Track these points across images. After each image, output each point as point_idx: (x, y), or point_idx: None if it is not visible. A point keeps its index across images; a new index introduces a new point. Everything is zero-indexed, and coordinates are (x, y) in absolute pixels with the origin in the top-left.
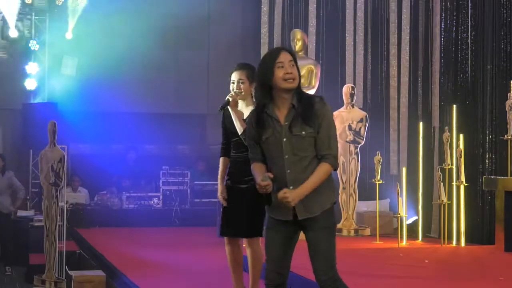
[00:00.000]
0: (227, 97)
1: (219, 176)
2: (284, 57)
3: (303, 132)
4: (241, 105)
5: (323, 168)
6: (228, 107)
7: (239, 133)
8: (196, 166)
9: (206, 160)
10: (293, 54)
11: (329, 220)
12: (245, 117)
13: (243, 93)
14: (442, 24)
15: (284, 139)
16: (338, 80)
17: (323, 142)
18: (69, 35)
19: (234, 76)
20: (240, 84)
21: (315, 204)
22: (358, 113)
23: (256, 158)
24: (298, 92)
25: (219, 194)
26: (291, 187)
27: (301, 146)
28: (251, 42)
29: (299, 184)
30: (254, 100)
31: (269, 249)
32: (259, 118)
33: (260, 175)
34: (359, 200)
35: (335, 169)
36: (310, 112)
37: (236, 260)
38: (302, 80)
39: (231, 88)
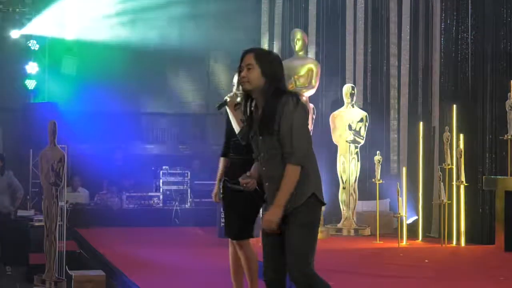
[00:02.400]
0: (225, 97)
1: (217, 176)
2: (244, 60)
3: (268, 131)
4: None
5: (289, 170)
6: (226, 107)
7: (237, 133)
8: (195, 166)
9: (206, 159)
10: (255, 54)
11: (306, 217)
12: None
13: (238, 93)
14: (442, 24)
15: (260, 137)
16: (338, 80)
17: (284, 141)
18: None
19: (235, 78)
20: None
21: (288, 200)
22: (358, 113)
23: (255, 157)
24: (273, 92)
25: (212, 194)
26: (266, 184)
27: (272, 144)
28: (251, 42)
29: (274, 180)
30: None
31: (264, 247)
32: (248, 119)
33: (254, 171)
34: (359, 200)
35: (302, 166)
36: (272, 111)
37: (237, 262)
38: (302, 80)
39: (233, 89)
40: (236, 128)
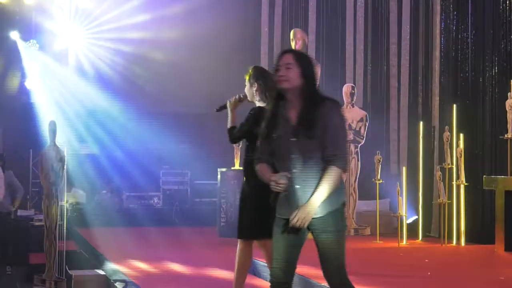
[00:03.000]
0: (228, 100)
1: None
2: (282, 60)
3: (309, 134)
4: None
5: (331, 172)
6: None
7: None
8: (196, 166)
9: (205, 159)
10: (295, 54)
11: (338, 223)
12: None
13: (242, 96)
14: (442, 24)
15: (293, 139)
16: (338, 79)
17: (329, 144)
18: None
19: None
20: (245, 86)
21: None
22: (358, 112)
23: (263, 158)
24: (309, 94)
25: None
26: (297, 186)
27: (308, 147)
28: (251, 41)
29: (305, 184)
30: (259, 100)
31: (275, 247)
32: (271, 116)
33: (268, 174)
34: (359, 199)
35: (345, 171)
36: (316, 114)
37: (241, 262)
38: None
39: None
40: (228, 126)
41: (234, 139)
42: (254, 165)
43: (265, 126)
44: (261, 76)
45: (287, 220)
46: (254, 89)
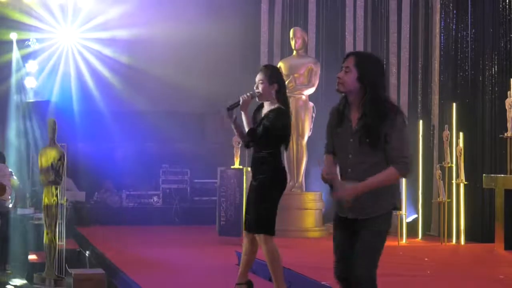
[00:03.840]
0: (240, 97)
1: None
2: (345, 62)
3: (367, 140)
4: (265, 105)
5: (388, 171)
6: (240, 106)
7: (246, 132)
8: (195, 164)
9: (205, 158)
10: (356, 57)
11: (381, 225)
12: (262, 115)
13: (259, 93)
14: (442, 22)
15: (351, 140)
16: None
17: (393, 150)
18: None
19: (256, 77)
20: (260, 84)
21: (368, 206)
22: None
23: (328, 150)
24: (371, 99)
25: None
26: (349, 185)
27: (365, 150)
28: (251, 40)
29: (356, 184)
30: (275, 100)
31: (334, 245)
32: (338, 112)
33: (328, 166)
34: None
35: (404, 176)
36: (377, 125)
37: (246, 254)
38: (302, 79)
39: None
40: (246, 128)
41: (259, 143)
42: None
43: (331, 120)
44: (280, 77)
45: (343, 218)
46: (274, 89)
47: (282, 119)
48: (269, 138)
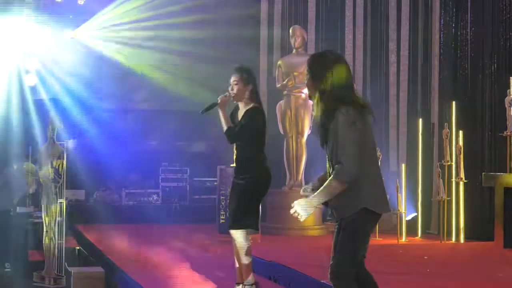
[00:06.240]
0: (218, 97)
1: None
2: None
3: (320, 142)
4: (241, 106)
5: (329, 183)
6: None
7: (224, 132)
8: (195, 163)
9: (204, 156)
10: (308, 61)
11: (351, 224)
12: (239, 116)
13: (233, 94)
14: (442, 21)
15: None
16: None
17: (333, 155)
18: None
19: (231, 78)
20: (234, 85)
21: (338, 210)
22: None
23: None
24: (321, 101)
25: None
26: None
27: (329, 152)
28: (251, 40)
29: None
30: (250, 100)
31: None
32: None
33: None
34: None
35: (346, 182)
36: (323, 125)
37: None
38: (301, 77)
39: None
40: (224, 127)
41: (239, 139)
42: None
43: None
44: (254, 77)
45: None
46: (249, 90)
47: (259, 118)
48: (247, 136)
